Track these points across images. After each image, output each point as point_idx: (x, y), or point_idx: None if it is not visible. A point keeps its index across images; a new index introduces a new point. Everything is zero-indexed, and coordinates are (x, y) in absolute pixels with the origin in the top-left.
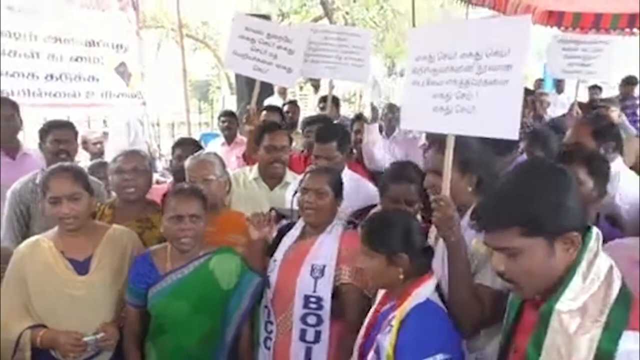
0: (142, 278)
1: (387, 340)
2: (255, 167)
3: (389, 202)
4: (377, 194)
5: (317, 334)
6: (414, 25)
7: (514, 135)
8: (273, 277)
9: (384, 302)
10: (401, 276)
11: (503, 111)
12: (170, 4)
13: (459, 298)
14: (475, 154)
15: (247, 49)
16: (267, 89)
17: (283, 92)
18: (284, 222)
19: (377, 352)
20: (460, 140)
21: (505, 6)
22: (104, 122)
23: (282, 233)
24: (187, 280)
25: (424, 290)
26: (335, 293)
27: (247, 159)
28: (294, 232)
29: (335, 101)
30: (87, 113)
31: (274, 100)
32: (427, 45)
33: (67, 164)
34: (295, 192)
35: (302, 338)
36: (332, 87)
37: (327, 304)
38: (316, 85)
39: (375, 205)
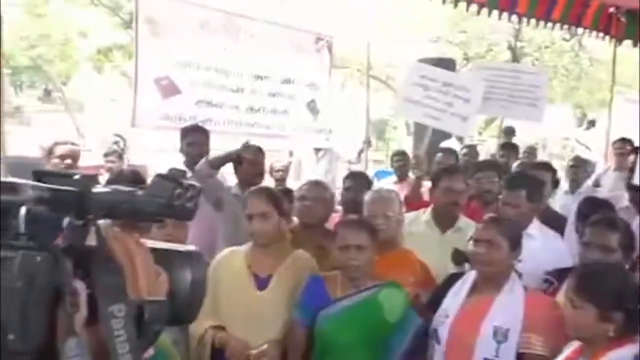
0: (313, 300)
1: None
2: (429, 210)
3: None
4: (568, 254)
5: None
6: (613, 75)
7: None
8: (444, 331)
9: (574, 357)
10: (611, 334)
11: None
12: (359, 46)
13: None
14: None
15: (420, 95)
16: (444, 132)
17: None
18: (466, 266)
19: None
20: None
21: None
22: (290, 153)
23: (448, 284)
24: (356, 308)
25: (625, 353)
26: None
27: (409, 201)
28: (465, 285)
29: (514, 148)
30: (277, 144)
31: (451, 143)
32: None
33: (265, 186)
34: (471, 238)
35: None
36: (509, 132)
37: None
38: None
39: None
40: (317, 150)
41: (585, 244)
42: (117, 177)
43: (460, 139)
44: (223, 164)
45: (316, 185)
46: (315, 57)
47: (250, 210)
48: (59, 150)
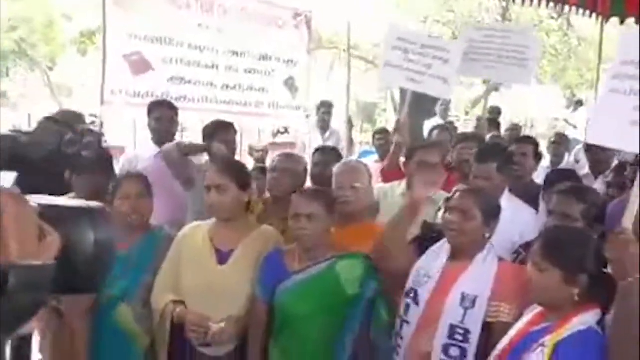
0: (272, 275)
1: None
2: (404, 183)
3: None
4: (536, 226)
5: None
6: (600, 55)
7: None
8: (423, 294)
9: (535, 322)
10: (576, 298)
11: None
12: (344, 27)
13: (623, 351)
14: None
15: (400, 59)
16: (428, 111)
17: (445, 114)
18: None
19: None
20: None
21: None
22: (274, 134)
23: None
24: (312, 280)
25: (589, 318)
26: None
27: (386, 172)
28: (444, 250)
29: (495, 123)
30: (256, 124)
31: (436, 121)
32: (638, 49)
33: (227, 158)
34: (440, 209)
35: None
36: (494, 112)
37: (474, 338)
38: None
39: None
40: (323, 131)
41: (549, 212)
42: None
43: (444, 117)
44: (192, 153)
45: (287, 157)
46: (293, 34)
47: (207, 181)
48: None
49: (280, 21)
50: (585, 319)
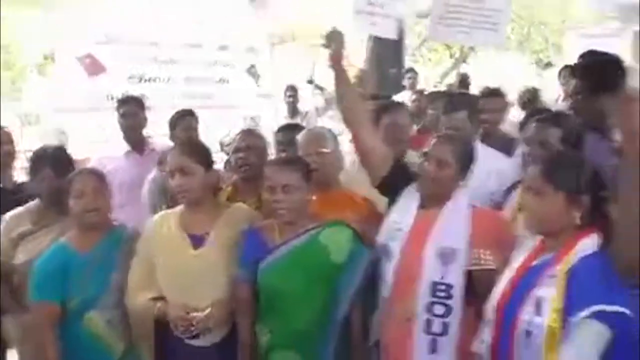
0: (252, 253)
1: (551, 294)
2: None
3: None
4: (510, 172)
5: (445, 326)
6: (562, 15)
7: None
8: (396, 247)
9: (533, 257)
10: (578, 221)
11: None
12: (311, 18)
13: (631, 224)
14: None
15: (364, 4)
16: (396, 87)
17: (413, 88)
18: None
19: (537, 307)
20: None
21: None
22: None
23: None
24: (298, 252)
25: (592, 242)
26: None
27: None
28: (413, 199)
29: (465, 89)
30: (223, 117)
31: (404, 96)
32: None
33: (187, 140)
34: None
35: (427, 329)
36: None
37: (457, 292)
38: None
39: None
40: (292, 115)
41: (526, 140)
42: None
43: (411, 87)
44: None
45: (248, 134)
46: (251, 20)
47: (170, 166)
48: None
49: (237, 8)
50: (587, 244)
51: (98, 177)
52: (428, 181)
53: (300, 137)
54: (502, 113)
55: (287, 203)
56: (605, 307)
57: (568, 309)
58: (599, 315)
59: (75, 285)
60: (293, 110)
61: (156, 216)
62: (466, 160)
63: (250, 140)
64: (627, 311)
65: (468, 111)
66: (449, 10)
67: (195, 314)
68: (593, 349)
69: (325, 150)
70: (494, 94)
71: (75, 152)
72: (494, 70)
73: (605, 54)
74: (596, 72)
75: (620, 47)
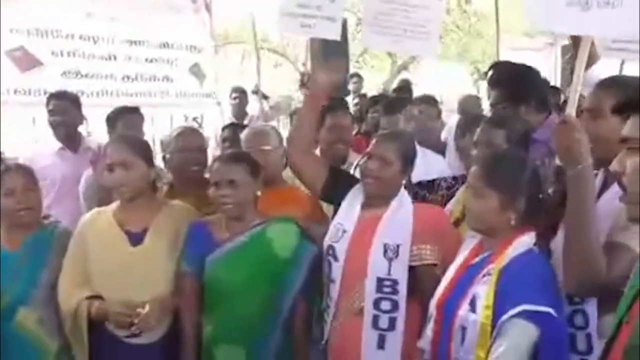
0: (198, 247)
1: (484, 292)
2: (317, 150)
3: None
4: (445, 167)
5: (392, 321)
6: (497, 29)
7: None
8: (341, 248)
9: (472, 256)
10: (513, 222)
11: None
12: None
13: (577, 247)
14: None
15: (293, 6)
16: (342, 91)
17: (357, 91)
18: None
19: (472, 304)
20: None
21: None
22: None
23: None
24: (244, 247)
25: (527, 240)
26: (409, 273)
27: None
28: (357, 199)
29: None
30: (165, 115)
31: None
32: None
33: (128, 134)
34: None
35: (375, 325)
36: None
37: (403, 287)
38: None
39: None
40: (239, 118)
41: (475, 143)
42: None
43: (355, 91)
44: None
45: (188, 133)
46: (194, 19)
47: (109, 159)
48: None
49: (178, 6)
50: (522, 242)
51: (27, 173)
52: (372, 180)
53: (243, 134)
54: (436, 119)
55: (233, 198)
56: (532, 307)
57: (498, 307)
58: (526, 314)
59: (5, 282)
60: (239, 113)
61: (89, 213)
62: (408, 157)
63: (190, 141)
64: (552, 311)
65: (404, 115)
66: (379, 19)
67: (138, 310)
68: (522, 347)
69: (268, 147)
70: (429, 100)
71: (5, 149)
72: (435, 79)
73: (514, 64)
74: (510, 83)
75: (549, 62)
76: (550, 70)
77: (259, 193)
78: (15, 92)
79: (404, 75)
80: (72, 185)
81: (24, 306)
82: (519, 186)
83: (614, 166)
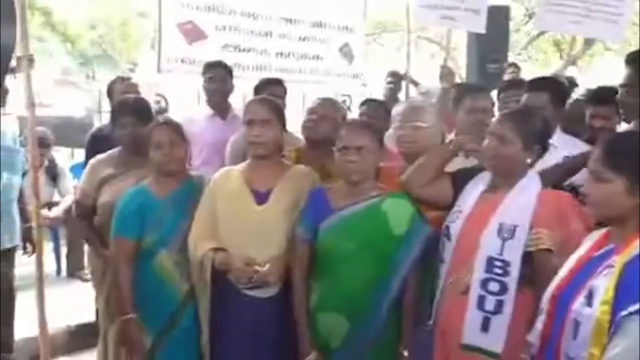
0: (315, 212)
1: (604, 285)
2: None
3: None
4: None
5: (499, 304)
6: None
7: None
8: (456, 228)
9: (596, 248)
10: None
11: None
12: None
13: None
14: None
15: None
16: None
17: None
18: None
19: (589, 297)
20: None
21: None
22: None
23: (463, 176)
24: (357, 217)
25: None
26: (525, 259)
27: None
28: (480, 182)
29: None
30: (310, 90)
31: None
32: None
33: (269, 97)
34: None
35: (480, 306)
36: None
37: (514, 270)
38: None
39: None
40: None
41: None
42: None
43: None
44: None
45: (327, 102)
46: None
47: (251, 115)
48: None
49: None
50: None
51: (175, 129)
52: (489, 157)
53: (398, 108)
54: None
55: (358, 164)
56: None
57: (618, 302)
58: None
59: (150, 225)
60: (391, 97)
61: (220, 171)
62: (532, 136)
63: (327, 109)
64: None
65: (551, 94)
66: None
67: (257, 267)
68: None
69: (421, 124)
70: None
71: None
72: (605, 77)
73: None
74: None
75: None
76: None
77: (381, 164)
78: (182, 61)
79: (570, 71)
80: (219, 149)
81: (164, 248)
82: None
83: None
